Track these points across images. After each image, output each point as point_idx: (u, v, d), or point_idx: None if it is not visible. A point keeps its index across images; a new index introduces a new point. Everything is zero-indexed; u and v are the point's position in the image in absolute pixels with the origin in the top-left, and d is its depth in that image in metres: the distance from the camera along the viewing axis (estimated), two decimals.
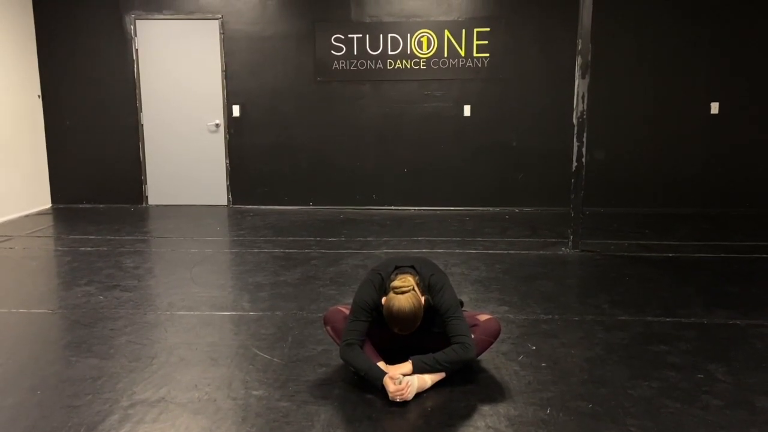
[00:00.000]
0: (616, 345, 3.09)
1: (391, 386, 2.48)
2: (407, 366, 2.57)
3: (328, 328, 2.85)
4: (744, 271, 4.38)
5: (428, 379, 2.58)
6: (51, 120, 7.04)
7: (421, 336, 2.74)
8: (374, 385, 2.55)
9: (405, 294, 2.51)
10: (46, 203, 7.14)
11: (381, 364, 2.60)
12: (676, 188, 6.74)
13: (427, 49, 6.69)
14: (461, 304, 2.74)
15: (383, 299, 2.58)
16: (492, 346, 2.83)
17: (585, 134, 4.76)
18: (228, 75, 6.86)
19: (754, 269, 4.43)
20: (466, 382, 2.66)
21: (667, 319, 3.44)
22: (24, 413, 2.45)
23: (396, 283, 2.57)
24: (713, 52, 6.49)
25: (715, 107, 6.56)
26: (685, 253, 4.86)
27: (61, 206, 7.14)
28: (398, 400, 2.47)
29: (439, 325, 2.68)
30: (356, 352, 2.61)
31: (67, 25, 6.85)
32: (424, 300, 2.58)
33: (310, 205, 7.03)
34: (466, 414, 2.42)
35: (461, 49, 6.67)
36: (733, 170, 6.65)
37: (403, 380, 2.49)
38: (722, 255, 4.81)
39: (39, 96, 6.97)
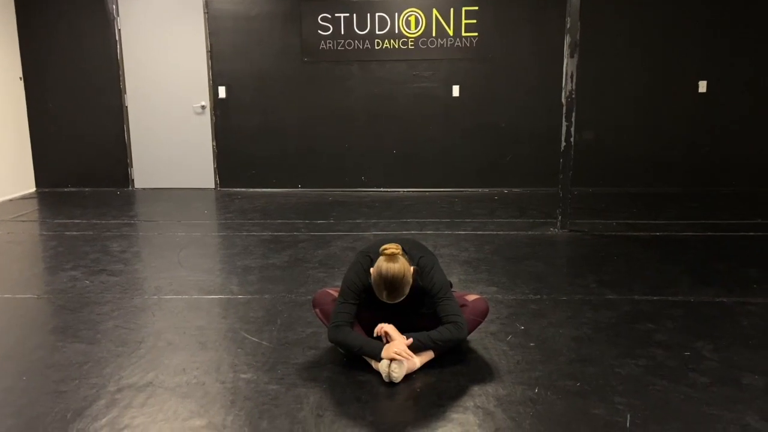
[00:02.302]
0: (604, 324, 3.11)
1: (392, 349, 2.48)
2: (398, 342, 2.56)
3: (317, 310, 2.84)
4: (730, 250, 4.41)
5: (417, 361, 2.58)
6: (33, 103, 6.92)
7: (410, 317, 2.74)
8: (374, 357, 2.55)
9: (394, 255, 2.52)
10: (30, 187, 7.05)
11: None
12: (664, 167, 6.76)
13: (415, 28, 6.62)
14: (450, 285, 2.74)
15: (372, 269, 2.57)
16: (480, 325, 2.84)
17: (574, 114, 4.74)
18: (213, 55, 6.76)
19: (741, 247, 4.46)
20: (455, 363, 2.67)
21: (654, 298, 3.46)
22: (10, 399, 2.43)
23: (385, 246, 2.57)
24: (702, 31, 6.46)
25: (703, 86, 6.56)
26: (673, 232, 4.88)
27: (45, 190, 7.05)
28: (395, 364, 2.47)
29: (428, 306, 2.68)
30: (346, 331, 2.60)
31: (48, 5, 6.70)
32: (413, 271, 2.57)
33: (298, 188, 6.99)
34: (455, 394, 2.43)
35: (450, 28, 6.60)
36: (720, 149, 6.67)
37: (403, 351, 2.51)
38: (709, 233, 4.84)
39: (21, 78, 6.84)
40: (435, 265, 2.68)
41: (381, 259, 2.53)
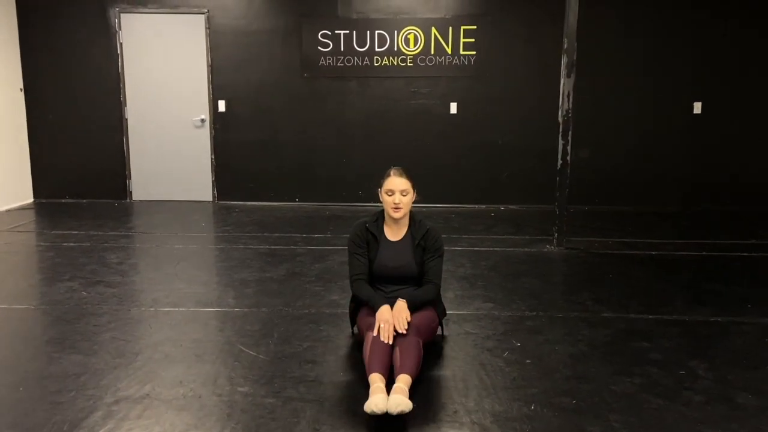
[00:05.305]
0: (600, 342, 3.12)
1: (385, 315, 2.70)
2: (402, 304, 2.78)
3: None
4: (725, 269, 4.44)
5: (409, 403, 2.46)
6: (33, 114, 6.94)
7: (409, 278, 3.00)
8: (374, 307, 2.78)
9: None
10: (28, 198, 7.05)
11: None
12: (659, 186, 6.81)
13: (414, 46, 6.69)
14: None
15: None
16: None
17: (570, 133, 4.79)
18: (213, 70, 6.81)
19: (735, 267, 4.49)
20: (451, 378, 2.68)
21: (650, 316, 3.48)
22: (6, 410, 2.42)
23: None
24: (696, 52, 6.56)
25: (697, 107, 6.64)
26: (668, 251, 4.91)
27: (43, 201, 7.05)
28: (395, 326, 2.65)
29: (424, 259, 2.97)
30: (361, 284, 2.93)
31: (50, 18, 6.76)
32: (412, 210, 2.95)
33: (296, 202, 7.01)
34: (452, 410, 2.44)
35: (448, 46, 6.68)
36: (714, 169, 6.74)
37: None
38: (704, 253, 4.87)
39: (21, 90, 6.87)
40: (433, 227, 3.01)
41: None
